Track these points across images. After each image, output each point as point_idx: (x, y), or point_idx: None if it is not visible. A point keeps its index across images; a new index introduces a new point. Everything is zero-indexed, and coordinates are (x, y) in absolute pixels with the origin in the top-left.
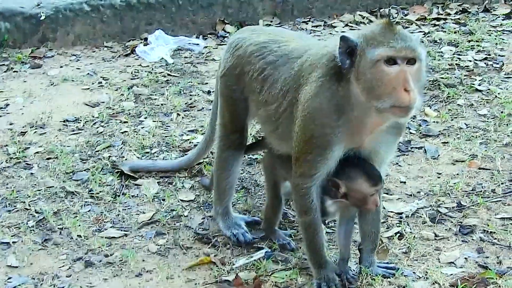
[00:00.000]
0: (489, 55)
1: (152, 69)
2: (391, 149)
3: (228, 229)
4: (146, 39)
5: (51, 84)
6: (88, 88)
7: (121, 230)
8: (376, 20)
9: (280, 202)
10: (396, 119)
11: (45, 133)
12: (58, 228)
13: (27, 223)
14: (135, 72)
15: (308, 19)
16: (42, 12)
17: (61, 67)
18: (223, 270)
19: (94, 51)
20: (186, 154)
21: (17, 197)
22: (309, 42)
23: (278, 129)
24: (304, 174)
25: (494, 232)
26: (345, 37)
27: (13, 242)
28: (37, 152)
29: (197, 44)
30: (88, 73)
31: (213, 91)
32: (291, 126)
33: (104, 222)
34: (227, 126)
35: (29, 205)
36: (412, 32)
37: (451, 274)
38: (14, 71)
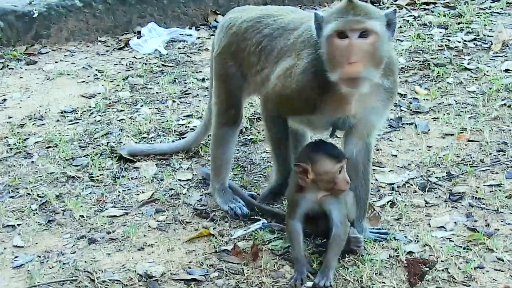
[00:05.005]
0: (478, 35)
1: (147, 60)
2: (381, 117)
3: (225, 203)
4: (139, 32)
5: (47, 79)
6: (84, 81)
7: (122, 209)
8: None
9: None
10: (350, 91)
11: (43, 124)
12: (61, 209)
13: (30, 207)
14: (129, 64)
15: (299, 7)
16: (35, 10)
17: (56, 62)
18: (222, 241)
19: (88, 46)
20: (183, 138)
21: (19, 183)
22: (305, 14)
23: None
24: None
25: (483, 198)
26: (315, 13)
27: (18, 225)
28: (36, 142)
29: (190, 35)
30: (83, 67)
31: (207, 79)
32: None
33: (105, 202)
34: (223, 103)
35: (31, 190)
36: (402, 16)
37: (441, 237)
38: (10, 68)
